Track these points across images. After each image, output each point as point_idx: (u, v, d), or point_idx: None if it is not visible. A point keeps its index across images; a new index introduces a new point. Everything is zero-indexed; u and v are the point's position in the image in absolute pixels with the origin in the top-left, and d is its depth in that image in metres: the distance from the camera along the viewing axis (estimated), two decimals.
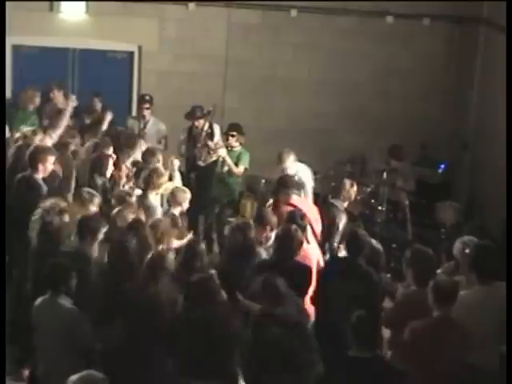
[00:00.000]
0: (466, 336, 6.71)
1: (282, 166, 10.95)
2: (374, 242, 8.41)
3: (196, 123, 11.97)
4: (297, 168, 11.09)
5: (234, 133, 11.50)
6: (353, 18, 14.13)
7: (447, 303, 6.71)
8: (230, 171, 11.42)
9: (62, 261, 7.14)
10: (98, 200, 8.82)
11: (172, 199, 9.52)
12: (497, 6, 12.61)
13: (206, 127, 11.97)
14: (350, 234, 8.34)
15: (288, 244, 7.92)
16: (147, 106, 12.40)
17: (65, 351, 6.76)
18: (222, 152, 11.32)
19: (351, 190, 9.94)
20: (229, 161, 11.31)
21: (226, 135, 11.57)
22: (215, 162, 11.55)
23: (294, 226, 8.13)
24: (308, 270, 7.97)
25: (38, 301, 6.97)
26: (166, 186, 9.80)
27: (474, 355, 6.75)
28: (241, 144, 11.60)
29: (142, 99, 12.58)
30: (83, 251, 7.73)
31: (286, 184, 9.79)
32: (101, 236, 7.90)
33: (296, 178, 10.45)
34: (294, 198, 9.68)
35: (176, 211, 9.42)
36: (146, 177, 9.62)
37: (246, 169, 11.53)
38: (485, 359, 6.94)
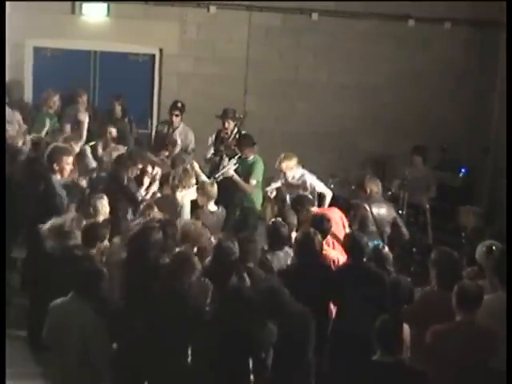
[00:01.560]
0: (489, 340, 6.68)
1: (282, 172, 10.87)
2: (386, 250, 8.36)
3: (226, 124, 11.90)
4: (300, 172, 10.95)
5: (248, 146, 11.31)
6: (373, 21, 14.12)
7: (472, 308, 6.66)
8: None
9: (96, 266, 7.20)
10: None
11: (200, 194, 9.57)
12: None
13: (235, 131, 11.92)
14: (347, 238, 8.32)
15: (308, 247, 7.93)
16: (177, 112, 12.38)
17: (79, 357, 6.77)
18: (230, 173, 11.01)
19: None
20: (241, 183, 11.06)
21: (239, 147, 11.33)
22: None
23: (312, 230, 8.14)
24: (332, 272, 8.03)
25: (57, 302, 6.96)
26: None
27: (497, 360, 6.71)
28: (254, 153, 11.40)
29: (173, 106, 12.50)
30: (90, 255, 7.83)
31: (303, 204, 9.69)
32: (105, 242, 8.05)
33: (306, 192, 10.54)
34: (314, 210, 9.65)
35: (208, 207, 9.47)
36: (177, 177, 9.65)
37: (257, 181, 11.25)
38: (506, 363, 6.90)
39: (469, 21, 14.29)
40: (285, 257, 8.33)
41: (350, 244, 8.09)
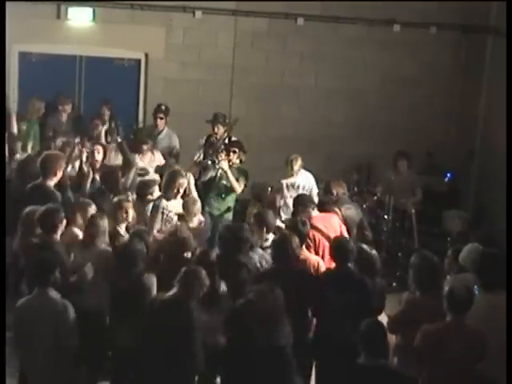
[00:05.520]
0: (478, 342, 6.68)
1: (291, 172, 11.11)
2: (365, 246, 8.33)
3: (216, 129, 11.86)
4: (304, 175, 11.20)
5: (236, 149, 11.27)
6: (359, 26, 14.13)
7: (461, 311, 6.69)
8: (227, 187, 11.18)
9: (47, 254, 7.27)
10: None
11: (185, 211, 9.48)
12: (505, 14, 12.58)
13: (225, 136, 11.88)
14: (333, 242, 8.31)
15: (284, 250, 7.88)
16: (161, 115, 12.34)
17: (53, 348, 6.82)
18: (225, 166, 11.02)
19: None
20: (231, 177, 11.04)
21: (227, 151, 11.26)
22: (215, 176, 11.28)
23: (289, 233, 8.12)
24: (310, 278, 7.96)
25: (22, 301, 7.00)
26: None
27: (487, 364, 6.72)
28: (241, 161, 11.36)
29: (157, 109, 12.48)
30: (48, 242, 7.83)
31: (303, 202, 9.73)
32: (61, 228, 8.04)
33: (307, 193, 10.68)
34: (314, 214, 9.59)
35: (192, 223, 9.38)
36: (166, 179, 9.62)
37: (245, 185, 11.30)
38: (487, 368, 6.90)
39: (455, 25, 14.30)
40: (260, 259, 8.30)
41: (336, 249, 8.06)
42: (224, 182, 11.14)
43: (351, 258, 7.90)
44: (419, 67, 14.40)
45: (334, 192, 10.36)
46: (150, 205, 9.63)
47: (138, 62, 14.18)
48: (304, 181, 11.22)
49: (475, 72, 14.19)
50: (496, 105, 13.33)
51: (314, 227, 9.27)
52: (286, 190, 11.26)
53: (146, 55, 14.12)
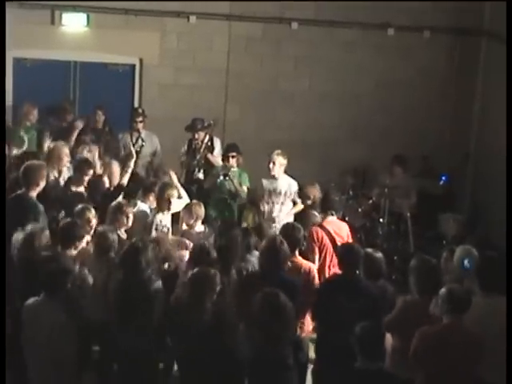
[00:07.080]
0: (475, 344, 6.66)
1: (272, 173, 10.88)
2: (370, 250, 8.28)
3: (196, 135, 11.98)
4: (286, 181, 11.01)
5: (234, 153, 11.26)
6: (353, 30, 14.16)
7: (460, 311, 6.66)
8: (231, 192, 11.17)
9: (64, 263, 7.21)
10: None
11: (187, 214, 9.42)
12: (498, 17, 12.62)
13: (206, 140, 11.98)
14: (343, 249, 8.20)
15: (273, 256, 7.74)
16: (140, 119, 12.36)
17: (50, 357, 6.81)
18: (235, 180, 11.05)
19: None
20: (236, 183, 11.07)
21: (226, 157, 11.24)
22: (220, 180, 11.23)
23: (279, 238, 7.93)
24: (295, 284, 7.71)
25: (30, 301, 6.98)
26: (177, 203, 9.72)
27: (484, 368, 6.71)
28: (238, 165, 11.43)
29: (135, 112, 12.56)
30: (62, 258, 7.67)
31: (333, 206, 9.68)
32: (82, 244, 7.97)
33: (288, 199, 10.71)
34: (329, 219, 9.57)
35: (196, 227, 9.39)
36: (158, 192, 9.59)
37: (248, 188, 11.32)
38: (487, 373, 6.89)
39: (448, 29, 14.34)
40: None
41: (346, 255, 7.94)
42: (229, 186, 11.15)
43: (360, 264, 7.83)
44: (413, 70, 14.42)
45: (311, 196, 10.36)
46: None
47: (133, 67, 14.17)
48: (286, 186, 10.95)
49: (469, 74, 14.22)
50: (491, 107, 13.36)
51: (322, 227, 9.33)
52: (266, 196, 10.96)
53: (141, 60, 14.11)
